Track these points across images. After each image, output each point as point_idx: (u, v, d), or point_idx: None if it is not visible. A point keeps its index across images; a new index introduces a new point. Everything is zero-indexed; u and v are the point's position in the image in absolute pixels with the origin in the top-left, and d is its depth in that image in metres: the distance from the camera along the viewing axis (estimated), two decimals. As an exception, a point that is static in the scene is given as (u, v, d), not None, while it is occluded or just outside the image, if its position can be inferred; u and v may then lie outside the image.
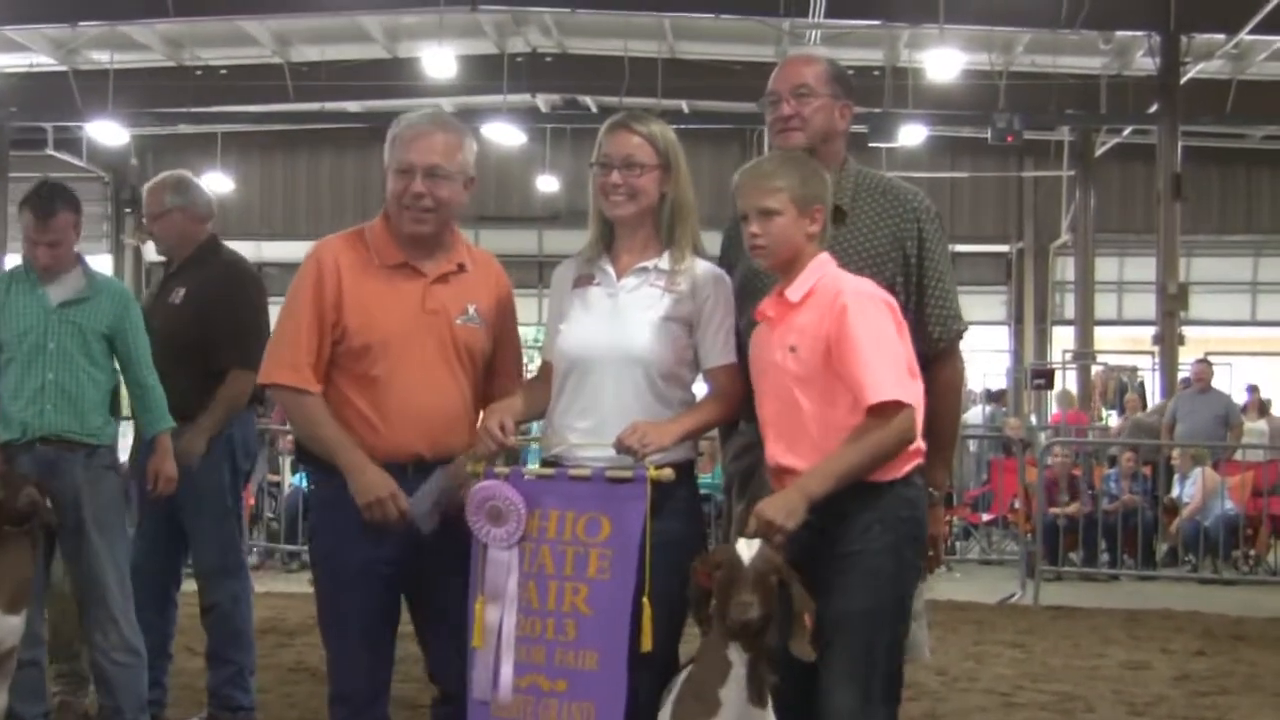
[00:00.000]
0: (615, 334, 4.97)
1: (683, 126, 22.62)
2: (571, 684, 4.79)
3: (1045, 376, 27.45)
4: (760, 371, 4.81)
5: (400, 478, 5.13)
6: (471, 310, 5.24)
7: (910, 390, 4.56)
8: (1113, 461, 17.62)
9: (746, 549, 4.40)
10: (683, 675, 4.67)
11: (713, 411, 5.07)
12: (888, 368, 4.53)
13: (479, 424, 5.04)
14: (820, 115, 5.14)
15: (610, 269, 5.05)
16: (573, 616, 4.83)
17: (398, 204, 5.18)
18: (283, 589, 13.06)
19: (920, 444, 4.69)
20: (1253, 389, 22.06)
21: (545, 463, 5.09)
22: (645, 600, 4.77)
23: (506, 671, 4.85)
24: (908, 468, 4.63)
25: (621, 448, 4.79)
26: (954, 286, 5.19)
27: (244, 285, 7.76)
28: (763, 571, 4.37)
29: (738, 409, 5.10)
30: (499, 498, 4.90)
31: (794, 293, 4.68)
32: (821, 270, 4.71)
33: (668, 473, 4.85)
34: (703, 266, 5.05)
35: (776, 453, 4.72)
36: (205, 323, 7.56)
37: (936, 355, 5.05)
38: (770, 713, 4.48)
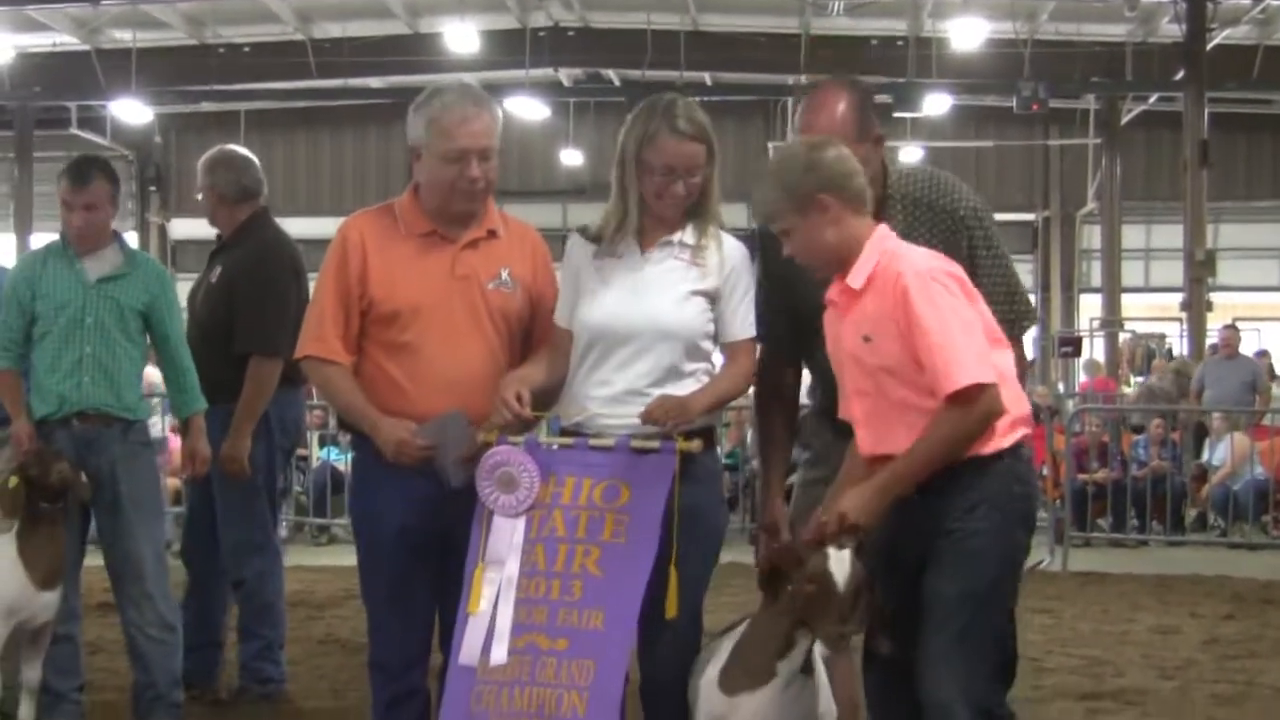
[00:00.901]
0: (642, 308, 4.99)
1: (706, 99, 22.63)
2: (573, 642, 4.81)
3: (1073, 344, 27.45)
4: (839, 364, 4.66)
5: None
6: (504, 275, 5.25)
7: (989, 366, 4.34)
8: (1140, 429, 17.58)
9: (839, 566, 4.28)
10: (724, 641, 4.69)
11: (733, 384, 5.12)
12: (962, 348, 4.31)
13: (496, 396, 5.01)
14: (865, 169, 4.82)
15: (634, 241, 5.07)
16: (581, 577, 4.87)
17: (450, 189, 5.20)
18: (311, 562, 13.13)
19: (1023, 411, 4.53)
20: (1262, 354, 21.97)
21: (564, 431, 5.11)
22: (672, 568, 4.82)
23: (501, 633, 4.86)
24: (1012, 438, 4.43)
25: (649, 420, 4.82)
26: (1016, 278, 5.15)
27: (273, 267, 7.69)
28: (855, 591, 4.29)
29: (750, 380, 5.17)
30: (512, 464, 4.93)
31: (855, 279, 4.50)
32: (880, 248, 4.51)
33: (697, 444, 4.88)
34: (727, 241, 5.07)
35: (868, 444, 4.56)
36: (234, 306, 7.59)
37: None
38: (818, 676, 4.50)
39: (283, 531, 10.32)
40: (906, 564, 4.45)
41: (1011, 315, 5.06)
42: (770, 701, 4.40)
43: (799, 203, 4.52)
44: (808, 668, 4.49)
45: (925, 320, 4.32)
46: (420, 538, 5.18)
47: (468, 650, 4.91)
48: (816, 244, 4.53)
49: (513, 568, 4.91)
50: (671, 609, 4.82)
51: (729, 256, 5.05)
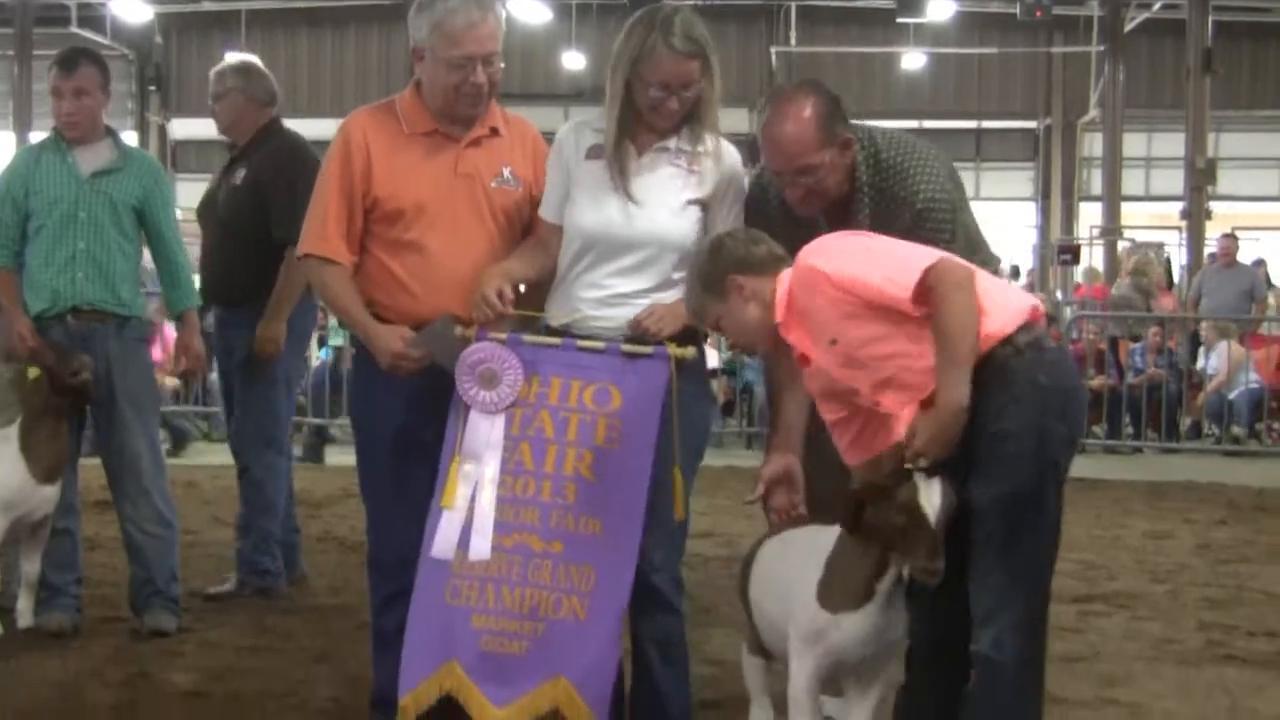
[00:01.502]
0: (642, 218, 4.97)
1: (708, 3, 22.49)
2: (569, 546, 4.83)
3: (1071, 252, 27.40)
4: (835, 394, 4.59)
5: None
6: (506, 173, 5.24)
7: (917, 259, 4.30)
8: (1138, 337, 17.60)
9: (929, 497, 4.20)
10: (774, 551, 4.74)
11: None
12: (887, 267, 4.32)
13: (476, 293, 4.98)
14: (832, 176, 4.86)
15: (630, 145, 5.04)
16: (574, 481, 4.87)
17: (455, 94, 5.17)
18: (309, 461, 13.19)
19: (1022, 302, 4.41)
20: (1259, 263, 21.93)
21: (551, 331, 5.10)
22: (676, 471, 4.84)
23: (482, 532, 4.88)
24: (1014, 322, 4.30)
25: (639, 329, 4.84)
26: (978, 237, 5.11)
27: (302, 164, 7.59)
28: (945, 525, 4.23)
29: None
30: (494, 360, 4.93)
31: (777, 315, 4.55)
32: (786, 283, 4.54)
33: (691, 351, 4.90)
34: (723, 147, 5.06)
35: (889, 403, 4.44)
36: (263, 202, 7.60)
37: None
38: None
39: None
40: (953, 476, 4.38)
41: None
42: (871, 620, 4.39)
43: (715, 290, 4.63)
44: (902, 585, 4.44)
45: (853, 277, 4.33)
46: (419, 437, 5.18)
47: (441, 544, 4.92)
48: (743, 322, 4.62)
49: (491, 464, 4.92)
50: (680, 511, 4.86)
51: (724, 163, 5.04)
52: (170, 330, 11.97)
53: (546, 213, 5.15)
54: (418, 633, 4.90)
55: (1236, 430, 16.37)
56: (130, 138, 32.91)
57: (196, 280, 7.72)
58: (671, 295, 4.96)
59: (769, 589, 4.70)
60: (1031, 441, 4.25)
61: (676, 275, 4.98)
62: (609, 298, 4.97)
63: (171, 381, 15.11)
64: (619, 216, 4.96)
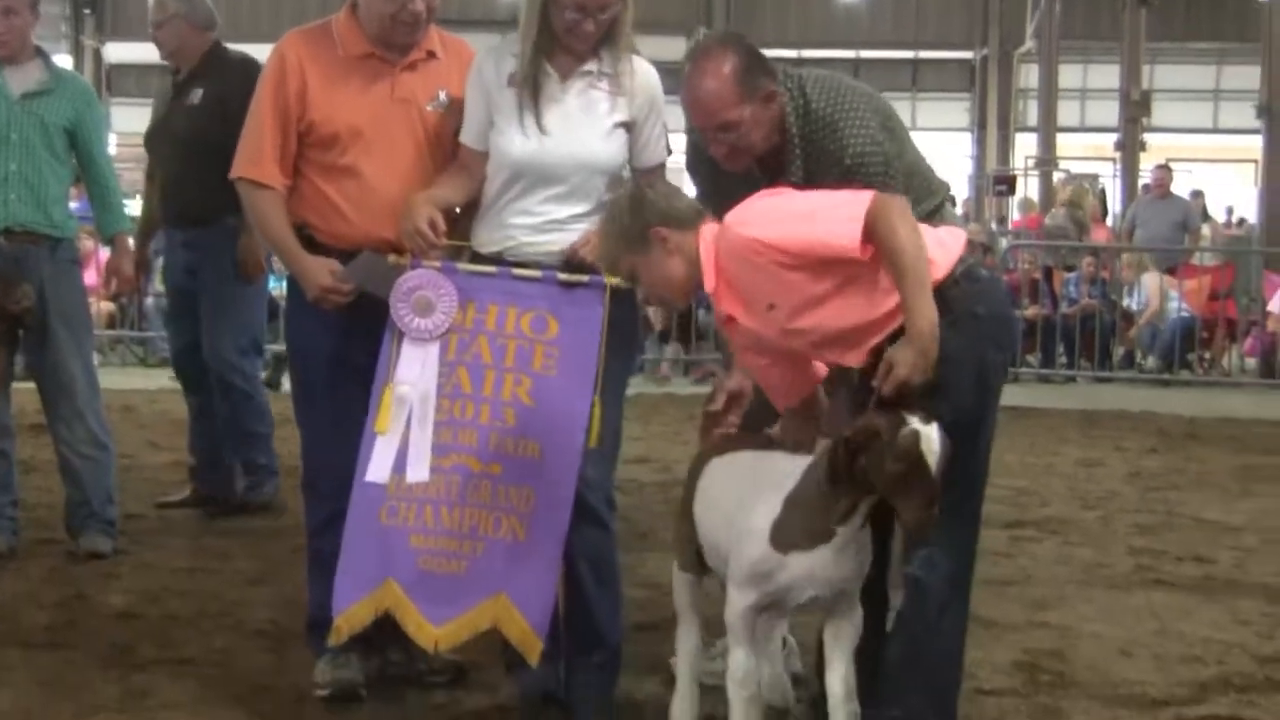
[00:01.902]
0: (571, 144, 4.93)
1: (646, -73, 22.34)
2: (507, 468, 4.84)
3: (1007, 182, 27.55)
4: (762, 349, 4.59)
5: None
6: (442, 96, 5.20)
7: (852, 205, 4.27)
8: (1072, 267, 17.71)
9: (929, 444, 4.11)
10: (724, 472, 4.64)
11: None
12: (825, 220, 4.29)
13: (405, 223, 4.93)
14: (756, 131, 4.76)
15: (552, 71, 5.03)
16: (513, 405, 4.87)
17: (392, 22, 5.12)
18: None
19: (957, 244, 4.43)
20: (1196, 194, 22.08)
21: (480, 258, 5.06)
22: (596, 399, 4.85)
23: (419, 454, 4.88)
24: (951, 262, 4.33)
25: (576, 258, 4.85)
26: (924, 172, 5.03)
27: None
28: (942, 473, 4.18)
29: None
30: (429, 287, 4.90)
31: (708, 284, 4.49)
32: (708, 245, 4.49)
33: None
34: (640, 67, 5.03)
35: (852, 360, 4.43)
36: (230, 121, 7.54)
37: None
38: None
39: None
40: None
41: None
42: (823, 559, 4.29)
43: (636, 241, 4.55)
44: (865, 521, 4.37)
45: (789, 234, 4.29)
46: (353, 362, 5.16)
47: (375, 468, 4.91)
48: (665, 275, 4.54)
49: (427, 389, 4.92)
50: (594, 439, 4.85)
51: (643, 84, 5.02)
52: (104, 256, 11.90)
53: (468, 138, 5.10)
54: (352, 553, 4.90)
55: (1152, 362, 16.55)
56: (64, 61, 32.68)
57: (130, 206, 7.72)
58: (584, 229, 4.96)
59: (716, 511, 4.62)
60: (971, 370, 4.30)
61: (608, 196, 4.98)
62: (543, 224, 4.95)
63: (108, 307, 15.02)
64: (547, 143, 4.93)
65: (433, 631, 4.80)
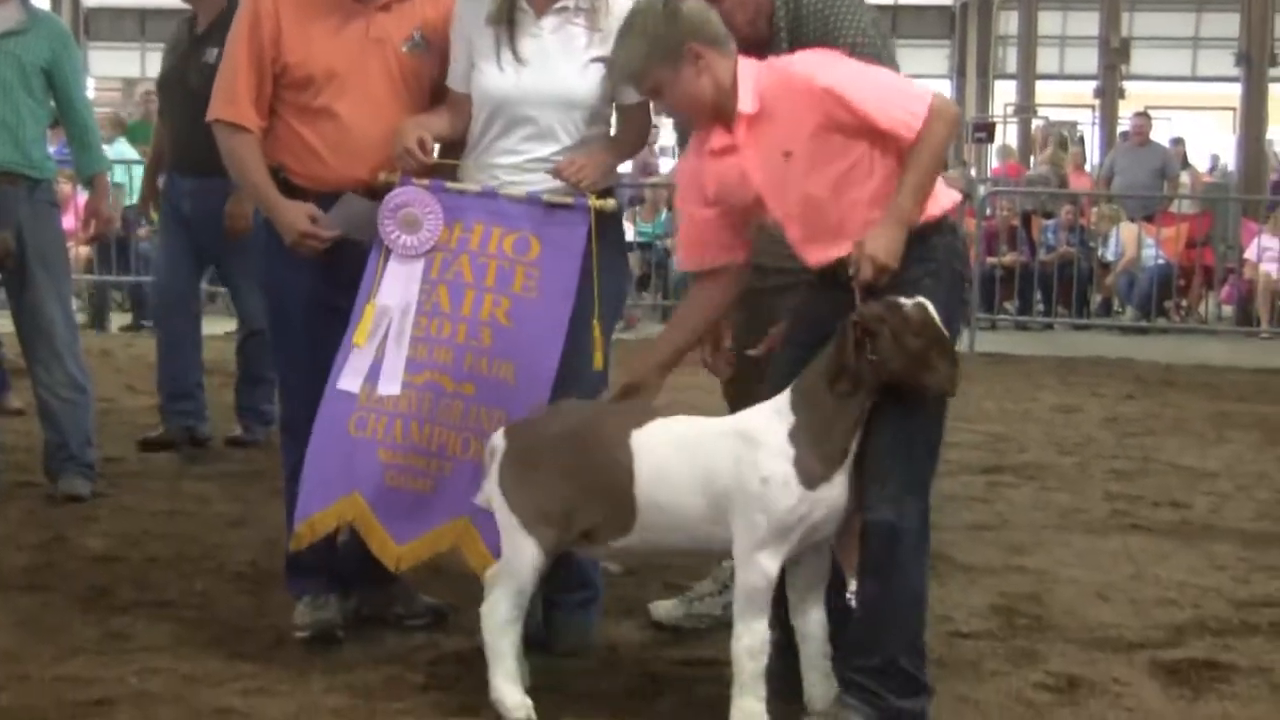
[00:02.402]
0: (548, 79, 4.95)
1: None
2: (480, 389, 4.86)
3: (986, 130, 27.48)
4: (742, 206, 4.49)
5: None
6: (417, 36, 5.18)
7: (919, 94, 4.31)
8: (1051, 214, 17.73)
9: (936, 314, 4.16)
10: (667, 444, 4.38)
11: (632, 145, 5.20)
12: (896, 88, 4.32)
13: (396, 144, 4.95)
14: (740, 14, 4.66)
15: (528, 7, 5.01)
16: (490, 325, 4.90)
17: None
18: (222, 330, 13.12)
19: (956, 196, 4.52)
20: (1176, 142, 22.07)
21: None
22: (595, 323, 4.88)
23: (393, 366, 4.89)
24: (949, 204, 4.40)
25: (559, 177, 4.85)
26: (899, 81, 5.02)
27: None
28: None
29: (647, 136, 5.23)
30: (416, 204, 4.92)
31: (745, 105, 4.38)
32: (751, 72, 4.42)
33: (611, 203, 4.93)
34: (618, 2, 5.03)
35: (817, 257, 4.42)
36: None
37: None
38: None
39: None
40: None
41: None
42: (842, 484, 4.25)
43: (668, 56, 4.40)
44: None
45: (859, 94, 4.25)
46: (329, 304, 5.16)
47: (349, 377, 4.93)
48: (693, 95, 4.42)
49: (408, 304, 4.93)
50: (599, 362, 4.89)
51: (620, 17, 5.02)
52: (83, 200, 11.87)
53: (453, 82, 5.11)
54: (319, 460, 4.92)
55: (1130, 311, 16.59)
56: (41, 3, 32.51)
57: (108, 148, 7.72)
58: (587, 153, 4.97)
59: (674, 484, 4.34)
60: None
61: (590, 131, 4.99)
62: (525, 163, 4.96)
63: (85, 251, 14.95)
64: (525, 79, 4.94)
65: (395, 549, 4.83)
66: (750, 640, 4.24)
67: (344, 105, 5.11)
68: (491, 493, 4.53)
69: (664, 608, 5.43)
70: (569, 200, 4.89)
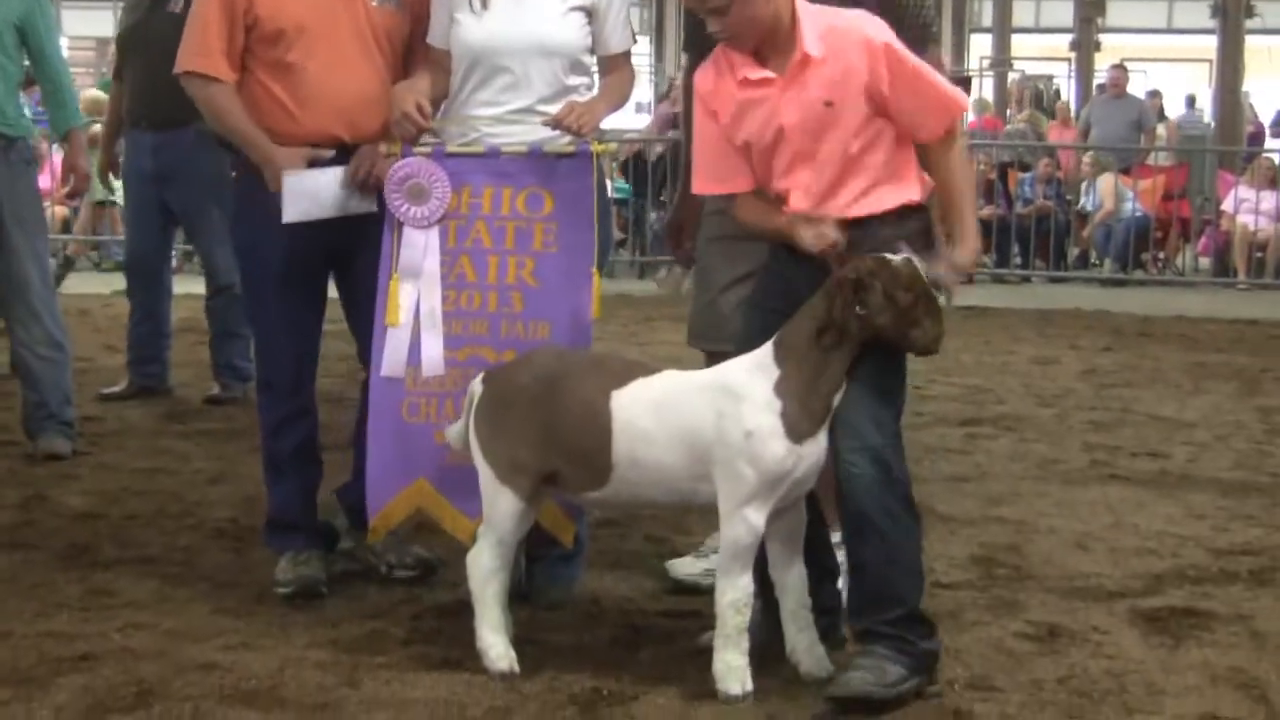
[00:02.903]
0: (525, 27, 4.94)
1: None
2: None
3: (962, 83, 27.40)
4: (772, 141, 4.43)
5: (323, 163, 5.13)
6: None
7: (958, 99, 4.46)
8: (1027, 167, 17.73)
9: (925, 271, 4.24)
10: (646, 401, 4.37)
11: (624, 92, 5.16)
12: (944, 82, 4.43)
13: (394, 110, 4.93)
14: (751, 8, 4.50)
15: None
16: (519, 288, 4.90)
17: None
18: (200, 290, 13.08)
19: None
20: (1153, 94, 22.07)
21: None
22: (595, 271, 4.88)
23: (432, 346, 4.91)
24: (928, 191, 4.49)
25: (560, 126, 4.83)
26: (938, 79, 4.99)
27: None
28: None
29: (633, 85, 5.20)
30: (421, 175, 4.91)
31: (813, 48, 4.34)
32: (812, 17, 4.39)
33: (612, 147, 4.93)
34: None
35: (807, 207, 4.41)
36: None
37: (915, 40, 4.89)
38: None
39: (173, 261, 10.44)
40: None
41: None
42: (823, 440, 4.29)
43: None
44: None
45: (915, 67, 4.34)
46: (306, 259, 5.15)
47: (390, 363, 4.94)
48: (757, 19, 4.36)
49: (431, 276, 4.93)
50: (597, 310, 4.90)
51: None
52: (59, 159, 11.83)
53: (433, 39, 5.10)
54: (380, 452, 4.95)
55: (1108, 265, 16.61)
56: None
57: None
58: (563, 104, 4.93)
59: (656, 442, 4.33)
60: None
61: (571, 81, 4.99)
62: (504, 114, 4.96)
63: (61, 211, 14.90)
64: (501, 27, 4.94)
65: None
66: (734, 595, 4.26)
67: (313, 61, 5.08)
68: (458, 439, 4.61)
69: (682, 565, 5.39)
70: (571, 149, 4.88)
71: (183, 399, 8.63)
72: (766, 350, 4.29)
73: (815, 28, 4.38)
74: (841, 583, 4.62)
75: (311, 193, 5.06)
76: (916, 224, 4.42)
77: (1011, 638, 4.85)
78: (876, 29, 4.39)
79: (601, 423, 4.36)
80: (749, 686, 4.27)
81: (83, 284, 13.47)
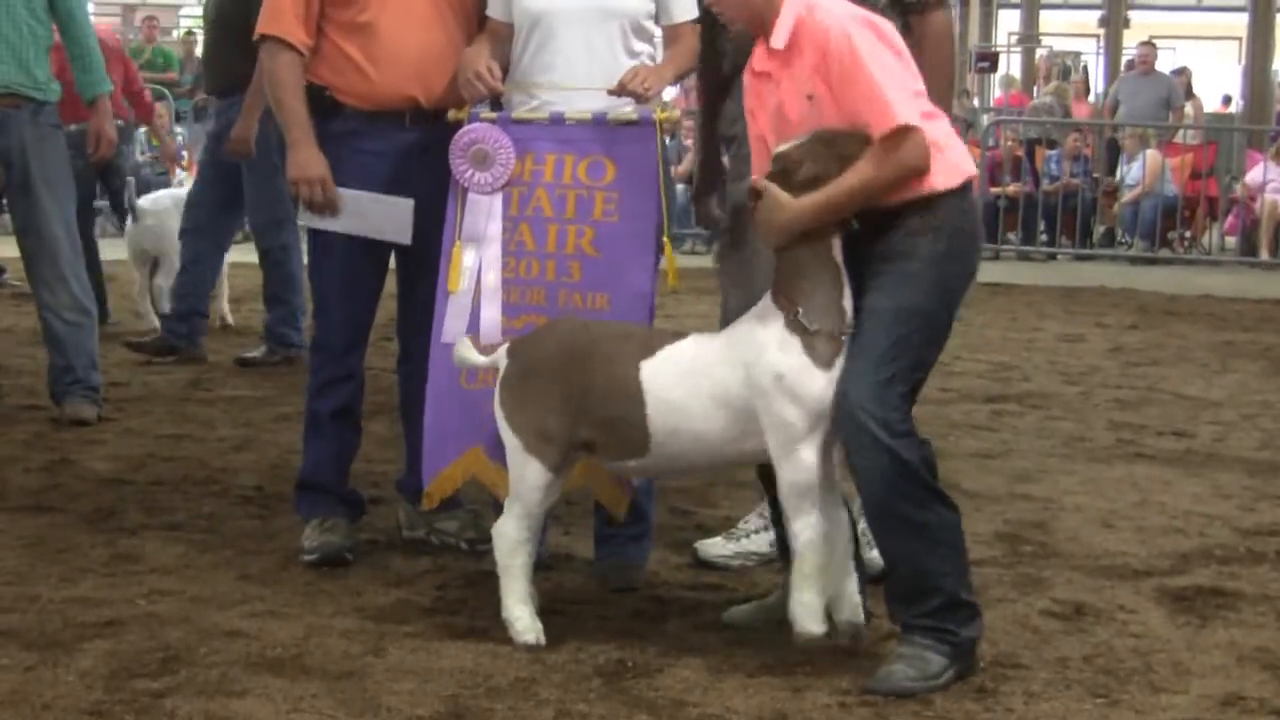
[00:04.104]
0: None
1: None
2: None
3: (990, 59, 27.35)
4: (769, 131, 4.44)
5: (397, 125, 5.14)
6: None
7: (916, 110, 4.24)
8: (1055, 144, 17.67)
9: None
10: (672, 368, 4.37)
11: (689, 59, 5.07)
12: (892, 90, 4.21)
13: (463, 72, 4.92)
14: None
15: None
16: (577, 258, 4.88)
17: None
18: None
19: (971, 166, 4.44)
20: (1179, 72, 21.95)
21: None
22: (666, 240, 4.85)
23: (490, 313, 4.90)
24: (960, 179, 4.35)
25: (624, 92, 4.78)
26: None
27: None
28: None
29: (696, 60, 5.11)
30: (486, 140, 4.89)
31: (777, 39, 4.34)
32: (795, 7, 4.35)
33: (675, 114, 4.88)
34: None
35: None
36: (251, 3, 7.53)
37: (923, 5, 4.92)
38: None
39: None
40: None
41: None
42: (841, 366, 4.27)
43: None
44: None
45: (857, 68, 4.22)
46: None
47: (450, 329, 4.93)
48: (743, 3, 4.38)
49: (493, 244, 4.92)
50: (673, 280, 4.89)
51: None
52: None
53: (493, 11, 5.08)
54: (438, 417, 4.94)
55: (1138, 243, 16.55)
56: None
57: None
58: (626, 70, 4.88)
59: (690, 406, 4.34)
60: (937, 272, 4.28)
61: (636, 46, 4.95)
62: (565, 80, 4.90)
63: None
64: None
65: None
66: (809, 535, 4.25)
67: (386, 20, 5.09)
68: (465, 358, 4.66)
69: (712, 547, 5.37)
70: (634, 117, 4.83)
71: (212, 365, 8.67)
72: (765, 300, 4.32)
73: (791, 16, 4.32)
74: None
75: (360, 212, 5.12)
76: (949, 200, 4.30)
77: (1037, 615, 4.83)
78: (841, 23, 4.27)
79: (633, 394, 4.37)
80: (825, 626, 4.28)
81: (109, 250, 13.49)
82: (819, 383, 4.21)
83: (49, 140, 7.04)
